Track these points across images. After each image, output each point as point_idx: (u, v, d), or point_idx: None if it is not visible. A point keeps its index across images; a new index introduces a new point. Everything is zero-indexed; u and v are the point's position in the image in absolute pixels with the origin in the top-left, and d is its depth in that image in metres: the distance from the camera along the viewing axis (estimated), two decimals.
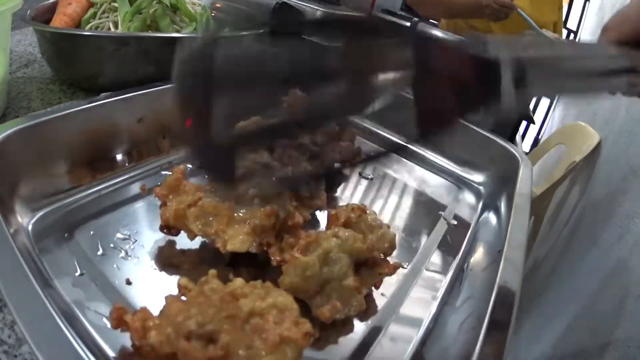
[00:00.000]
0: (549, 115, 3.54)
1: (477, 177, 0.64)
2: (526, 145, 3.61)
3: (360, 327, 0.37)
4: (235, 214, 0.35)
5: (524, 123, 1.39)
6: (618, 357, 0.97)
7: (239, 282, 0.30)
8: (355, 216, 0.38)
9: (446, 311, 0.40)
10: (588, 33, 3.28)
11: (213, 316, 0.27)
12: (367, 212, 0.39)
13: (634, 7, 0.42)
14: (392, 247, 0.39)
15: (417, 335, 0.38)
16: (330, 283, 0.34)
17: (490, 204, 0.59)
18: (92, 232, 0.39)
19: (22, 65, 0.69)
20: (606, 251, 1.28)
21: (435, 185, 0.63)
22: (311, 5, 1.30)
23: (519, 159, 0.59)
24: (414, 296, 0.41)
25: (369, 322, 0.37)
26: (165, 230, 0.38)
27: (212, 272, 0.30)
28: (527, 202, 0.50)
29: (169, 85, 0.50)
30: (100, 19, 0.68)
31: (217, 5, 0.85)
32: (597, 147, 1.82)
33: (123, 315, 0.27)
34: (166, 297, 0.29)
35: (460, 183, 0.64)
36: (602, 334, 1.08)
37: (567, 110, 2.99)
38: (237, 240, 0.34)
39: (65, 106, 0.44)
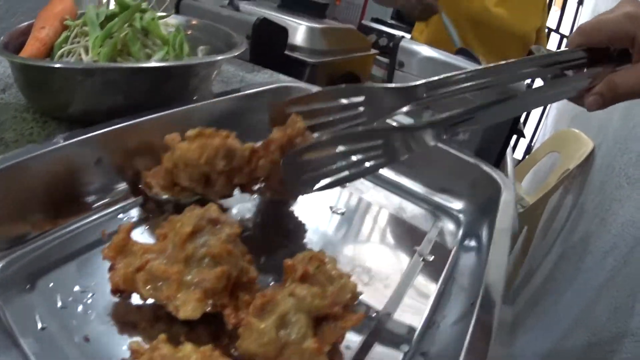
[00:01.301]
0: (541, 122, 3.56)
1: (457, 205, 0.63)
2: (519, 153, 3.62)
3: None
4: (185, 278, 0.34)
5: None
6: None
7: (188, 348, 0.29)
8: (313, 267, 0.36)
9: None
10: None
11: None
12: (326, 260, 0.37)
13: (612, 18, 0.43)
14: (355, 298, 0.37)
15: None
16: (289, 347, 0.32)
17: (470, 233, 0.58)
18: (51, 284, 0.38)
19: None
20: (600, 260, 1.28)
21: (412, 214, 0.61)
22: (294, 20, 1.29)
23: (501, 184, 0.58)
24: (381, 349, 0.40)
25: None
26: (115, 294, 0.37)
27: (162, 336, 0.30)
28: (507, 237, 0.48)
29: (128, 123, 0.49)
30: (72, 43, 0.66)
31: (193, 22, 0.84)
32: (591, 154, 1.83)
33: None
34: None
35: (439, 211, 0.63)
36: (599, 346, 1.08)
37: (560, 116, 3.00)
38: (189, 307, 0.33)
39: (22, 152, 0.42)
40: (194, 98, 0.68)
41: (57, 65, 0.57)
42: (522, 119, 1.86)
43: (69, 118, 0.62)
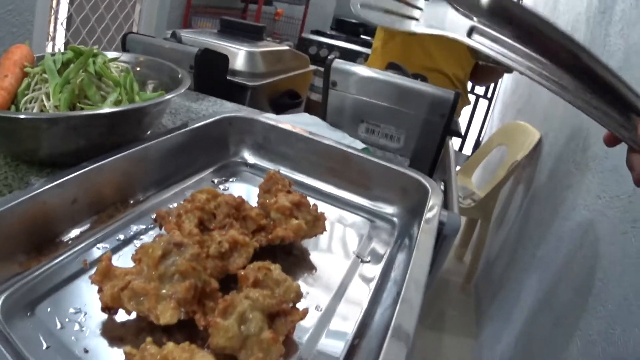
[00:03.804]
0: (488, 115, 3.68)
1: (390, 210, 0.70)
2: (467, 149, 3.74)
3: None
4: (161, 292, 0.41)
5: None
6: (581, 346, 1.02)
7: (170, 346, 0.37)
8: (262, 274, 0.45)
9: (357, 347, 0.47)
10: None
11: None
12: (272, 268, 0.46)
13: None
14: (299, 296, 0.45)
15: None
16: (250, 338, 0.40)
17: (403, 233, 0.65)
18: (49, 309, 0.45)
19: None
20: (557, 245, 1.35)
21: (351, 222, 0.68)
22: (233, 46, 1.36)
23: (429, 188, 0.65)
24: (327, 338, 0.48)
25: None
26: (105, 311, 0.43)
27: (149, 339, 0.38)
28: (432, 236, 0.56)
29: (95, 165, 0.56)
30: (34, 90, 0.71)
31: (141, 59, 0.89)
32: (538, 144, 1.91)
33: None
34: None
35: (376, 217, 0.70)
36: (564, 327, 1.12)
37: (505, 109, 3.09)
38: (167, 314, 0.40)
39: (4, 200, 0.47)
40: (148, 133, 0.74)
41: (23, 117, 0.61)
42: (463, 117, 1.94)
43: (38, 161, 0.66)
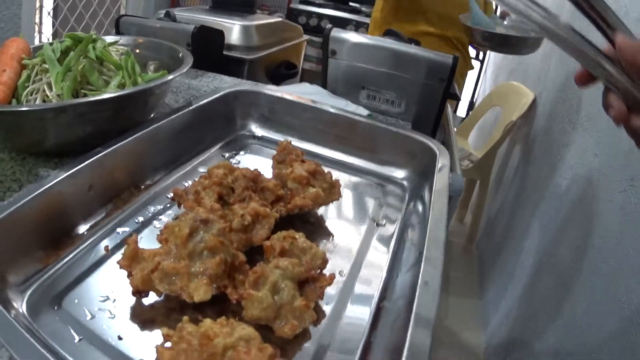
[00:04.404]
0: (480, 77, 3.67)
1: (400, 174, 0.71)
2: (462, 111, 3.74)
3: (316, 332, 0.44)
4: (192, 270, 0.41)
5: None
6: (584, 304, 1.03)
7: (208, 322, 0.37)
8: (288, 244, 0.45)
9: (383, 309, 0.48)
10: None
11: (199, 356, 0.34)
12: (296, 237, 0.46)
13: None
14: (325, 262, 0.46)
15: (363, 330, 0.45)
16: (283, 307, 0.41)
17: (415, 196, 0.66)
18: (76, 301, 0.44)
19: None
20: (557, 204, 1.35)
21: (362, 188, 0.69)
22: (227, 21, 1.35)
23: (436, 151, 0.66)
24: (353, 302, 0.49)
25: (322, 326, 0.45)
26: (136, 295, 0.43)
27: (186, 318, 0.37)
28: (445, 196, 0.56)
29: (108, 150, 0.55)
30: (34, 82, 0.71)
31: (140, 41, 0.89)
32: (533, 105, 1.91)
33: None
34: (157, 348, 0.35)
35: (386, 181, 0.71)
36: (566, 287, 1.13)
37: (498, 70, 3.08)
38: (200, 291, 0.40)
39: (20, 195, 0.46)
40: (152, 115, 0.74)
41: (29, 108, 0.60)
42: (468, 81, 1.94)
43: (44, 152, 0.66)
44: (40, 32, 2.04)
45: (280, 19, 1.61)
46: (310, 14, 2.68)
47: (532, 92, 1.96)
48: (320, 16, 2.65)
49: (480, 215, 2.19)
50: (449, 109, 1.16)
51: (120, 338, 0.41)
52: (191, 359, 0.34)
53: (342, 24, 2.51)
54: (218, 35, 1.25)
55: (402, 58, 1.01)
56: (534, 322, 1.30)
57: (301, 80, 1.61)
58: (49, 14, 2.13)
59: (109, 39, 0.80)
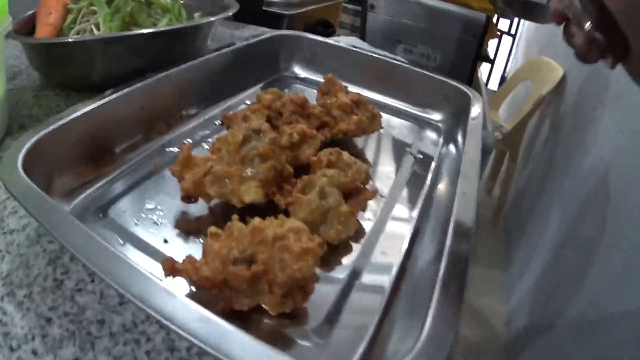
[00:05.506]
0: (512, 52, 3.63)
1: (436, 116, 0.73)
2: (493, 84, 3.70)
3: (356, 248, 0.45)
4: (244, 173, 0.43)
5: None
6: (604, 281, 1.03)
7: (257, 220, 0.37)
8: (334, 157, 0.47)
9: (423, 224, 0.50)
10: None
11: (249, 243, 0.35)
12: (342, 152, 0.48)
13: None
14: (368, 177, 0.48)
15: (402, 244, 0.47)
16: (330, 211, 0.42)
17: (450, 138, 0.68)
18: (123, 210, 0.46)
19: (9, 78, 0.72)
20: (582, 179, 1.35)
21: (399, 127, 0.71)
22: None
23: (470, 95, 0.68)
24: (392, 223, 0.50)
25: (362, 242, 0.46)
26: (185, 200, 0.45)
27: (235, 216, 0.38)
28: (478, 136, 0.58)
29: (161, 75, 0.58)
30: (81, 23, 0.73)
31: None
32: (563, 80, 1.90)
33: (173, 264, 0.34)
34: (203, 243, 0.37)
35: (422, 123, 0.72)
36: (589, 262, 1.13)
37: (529, 45, 3.05)
38: (251, 192, 0.42)
39: (75, 108, 0.48)
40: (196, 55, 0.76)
41: (82, 39, 0.63)
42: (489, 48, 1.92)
43: (89, 87, 0.66)
44: None
45: None
46: None
47: (562, 68, 1.95)
48: None
49: (508, 187, 2.18)
50: (480, 75, 1.16)
51: (165, 241, 0.42)
52: (243, 245, 0.35)
53: None
54: None
55: (438, 14, 1.03)
56: (556, 296, 1.30)
57: None
58: None
59: None
